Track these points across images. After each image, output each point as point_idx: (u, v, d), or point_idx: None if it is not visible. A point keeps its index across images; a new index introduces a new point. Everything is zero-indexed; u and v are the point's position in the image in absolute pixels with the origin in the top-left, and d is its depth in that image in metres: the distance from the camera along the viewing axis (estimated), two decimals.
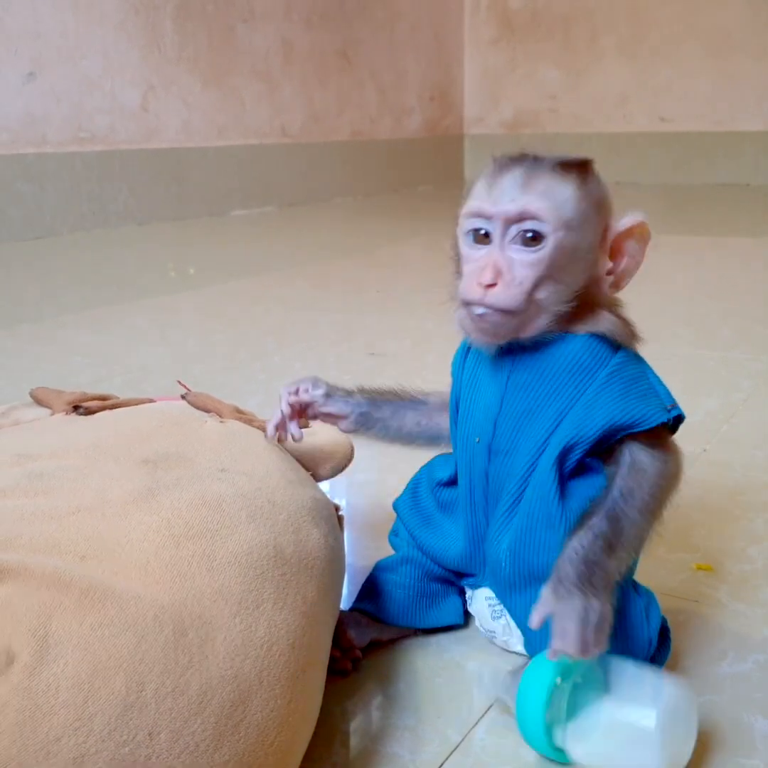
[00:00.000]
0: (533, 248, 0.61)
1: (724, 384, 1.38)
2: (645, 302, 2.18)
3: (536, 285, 0.61)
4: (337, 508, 0.77)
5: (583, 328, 0.63)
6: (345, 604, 0.76)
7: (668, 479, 0.62)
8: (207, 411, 0.80)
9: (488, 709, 0.64)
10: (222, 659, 0.50)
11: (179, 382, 0.91)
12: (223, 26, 3.66)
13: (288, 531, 0.61)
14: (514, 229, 0.61)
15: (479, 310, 0.61)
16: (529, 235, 0.60)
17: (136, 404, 0.81)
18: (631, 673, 0.58)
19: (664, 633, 0.67)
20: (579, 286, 0.62)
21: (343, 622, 0.70)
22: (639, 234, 0.63)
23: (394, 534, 0.78)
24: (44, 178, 3.11)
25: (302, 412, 0.74)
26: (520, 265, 0.61)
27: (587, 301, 0.63)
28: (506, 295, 0.60)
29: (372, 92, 4.48)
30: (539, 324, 0.62)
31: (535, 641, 0.64)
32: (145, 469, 0.65)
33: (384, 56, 4.51)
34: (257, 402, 1.30)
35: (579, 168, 0.62)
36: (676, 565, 0.84)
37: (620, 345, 0.63)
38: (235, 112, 3.78)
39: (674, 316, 1.85)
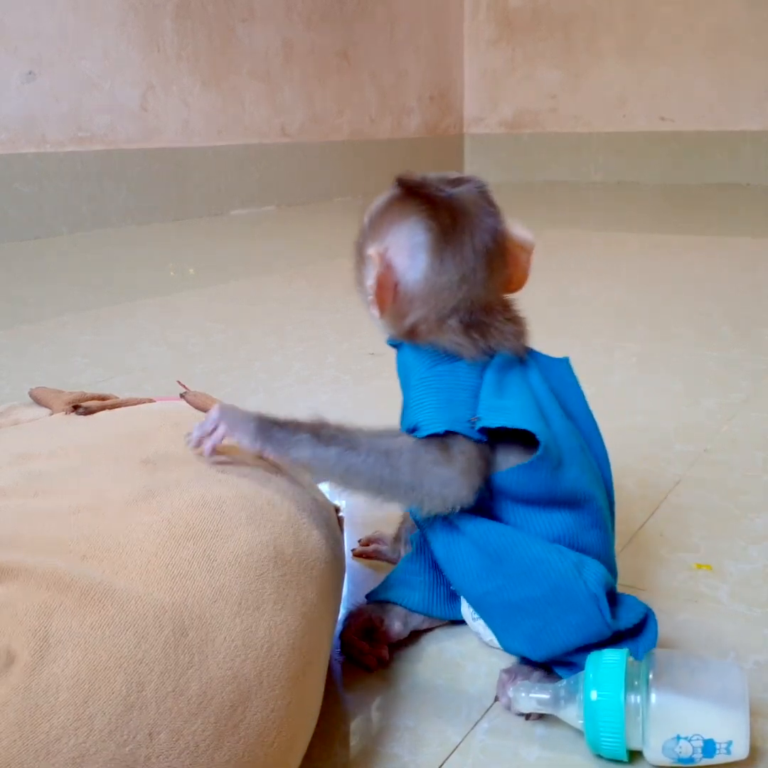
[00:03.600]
0: None
1: (724, 384, 1.38)
2: (644, 302, 2.16)
3: None
4: (337, 510, 0.77)
5: (428, 337, 0.68)
6: (360, 596, 0.76)
7: (404, 481, 0.62)
8: (206, 411, 0.80)
9: (488, 709, 0.64)
10: (222, 659, 0.51)
11: (179, 382, 0.91)
12: (223, 26, 3.66)
13: (288, 532, 0.61)
14: None
15: None
16: None
17: (136, 404, 0.81)
18: (686, 663, 0.59)
19: (647, 620, 0.66)
20: None
21: (380, 615, 0.72)
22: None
23: None
24: (44, 177, 3.11)
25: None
26: None
27: None
28: None
29: (372, 92, 4.48)
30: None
31: (508, 641, 0.65)
32: (145, 470, 0.65)
33: (384, 56, 4.51)
34: (257, 402, 1.30)
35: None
36: (676, 565, 0.84)
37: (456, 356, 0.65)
38: (235, 111, 3.78)
39: (674, 316, 1.85)
